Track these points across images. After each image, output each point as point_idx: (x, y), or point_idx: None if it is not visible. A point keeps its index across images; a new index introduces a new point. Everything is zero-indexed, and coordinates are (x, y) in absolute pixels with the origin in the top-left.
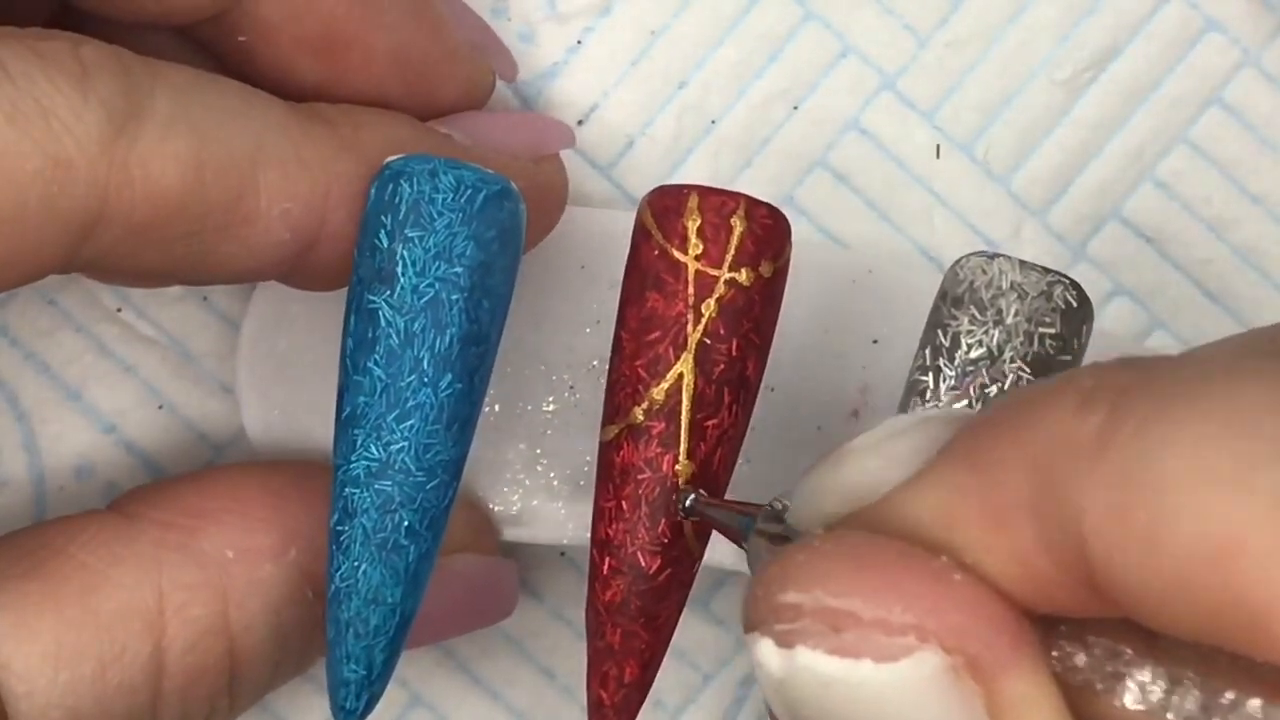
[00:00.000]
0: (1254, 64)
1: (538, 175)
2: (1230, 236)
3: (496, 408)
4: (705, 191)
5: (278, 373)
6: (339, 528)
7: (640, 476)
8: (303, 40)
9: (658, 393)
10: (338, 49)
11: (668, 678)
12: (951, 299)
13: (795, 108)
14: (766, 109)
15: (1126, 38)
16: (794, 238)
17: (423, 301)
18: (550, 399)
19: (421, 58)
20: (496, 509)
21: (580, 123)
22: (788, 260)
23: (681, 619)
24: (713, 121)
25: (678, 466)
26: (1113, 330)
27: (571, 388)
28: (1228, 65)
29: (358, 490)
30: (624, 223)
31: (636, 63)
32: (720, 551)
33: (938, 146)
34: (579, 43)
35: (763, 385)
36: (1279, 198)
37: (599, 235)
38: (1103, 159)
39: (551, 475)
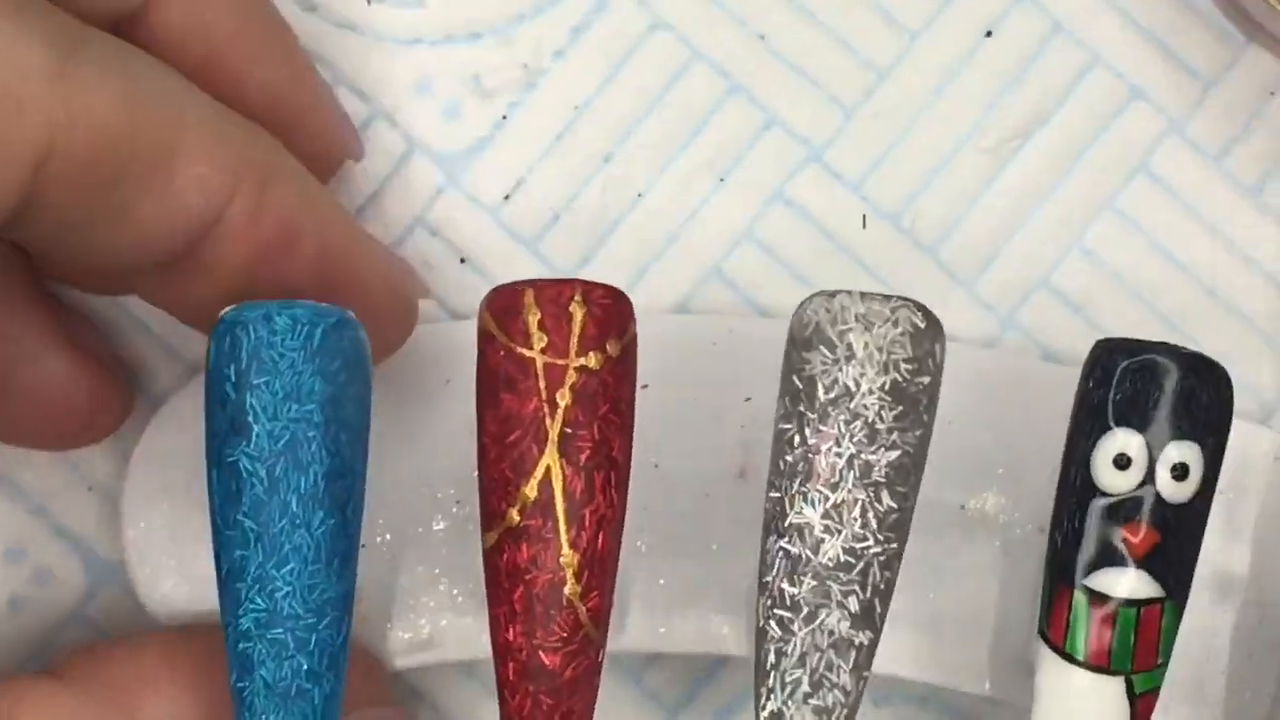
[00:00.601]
0: (1179, 132)
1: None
2: (1158, 303)
3: (388, 536)
4: (540, 285)
5: (165, 543)
6: (239, 684)
7: (528, 576)
8: (186, 59)
9: (529, 490)
10: (216, 74)
11: None
12: (801, 343)
13: (721, 179)
14: (692, 181)
15: (1052, 106)
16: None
17: (280, 445)
18: (439, 517)
19: (289, 101)
20: (405, 636)
21: (506, 197)
22: (634, 336)
23: (614, 695)
24: (639, 194)
25: (562, 559)
26: None
27: (458, 502)
28: (1153, 133)
29: (251, 644)
30: None
31: (561, 137)
32: (637, 636)
33: (864, 217)
34: (504, 118)
35: (646, 461)
36: (1205, 265)
37: (457, 348)
38: (1030, 227)
39: (455, 592)
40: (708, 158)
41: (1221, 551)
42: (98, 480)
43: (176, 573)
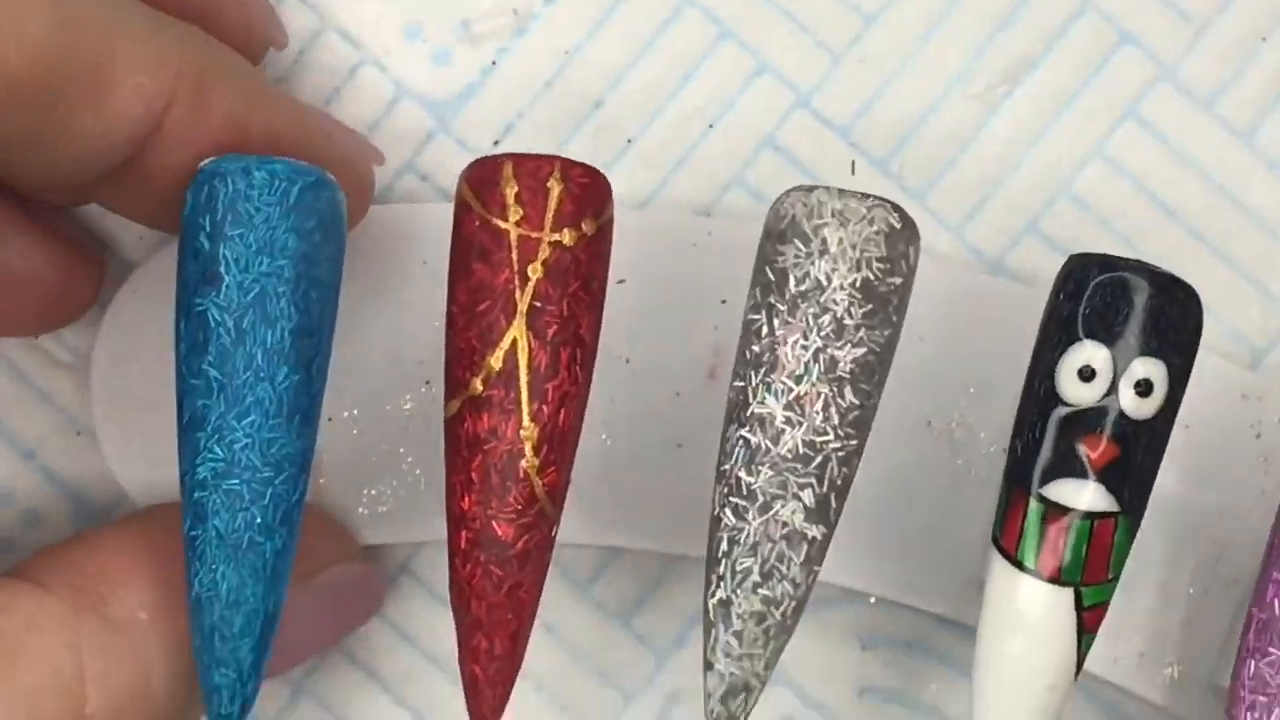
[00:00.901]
0: (1169, 78)
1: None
2: (1146, 250)
3: (356, 411)
4: (520, 158)
5: (133, 403)
6: (192, 533)
7: (486, 446)
8: None
9: (494, 360)
10: None
11: (590, 697)
12: (775, 235)
13: (711, 126)
14: (682, 127)
15: (1041, 51)
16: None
17: (250, 297)
18: (408, 396)
19: None
20: (364, 512)
21: (496, 143)
22: (610, 218)
23: (604, 638)
24: (629, 140)
25: (522, 431)
26: None
27: (427, 383)
28: (1143, 78)
29: (206, 493)
30: None
31: (551, 83)
32: (595, 530)
33: (853, 163)
34: (493, 63)
35: (617, 356)
36: (1194, 211)
37: (436, 229)
38: (1018, 173)
39: (418, 472)
40: (697, 104)
41: (1185, 487)
42: (86, 424)
43: (142, 435)
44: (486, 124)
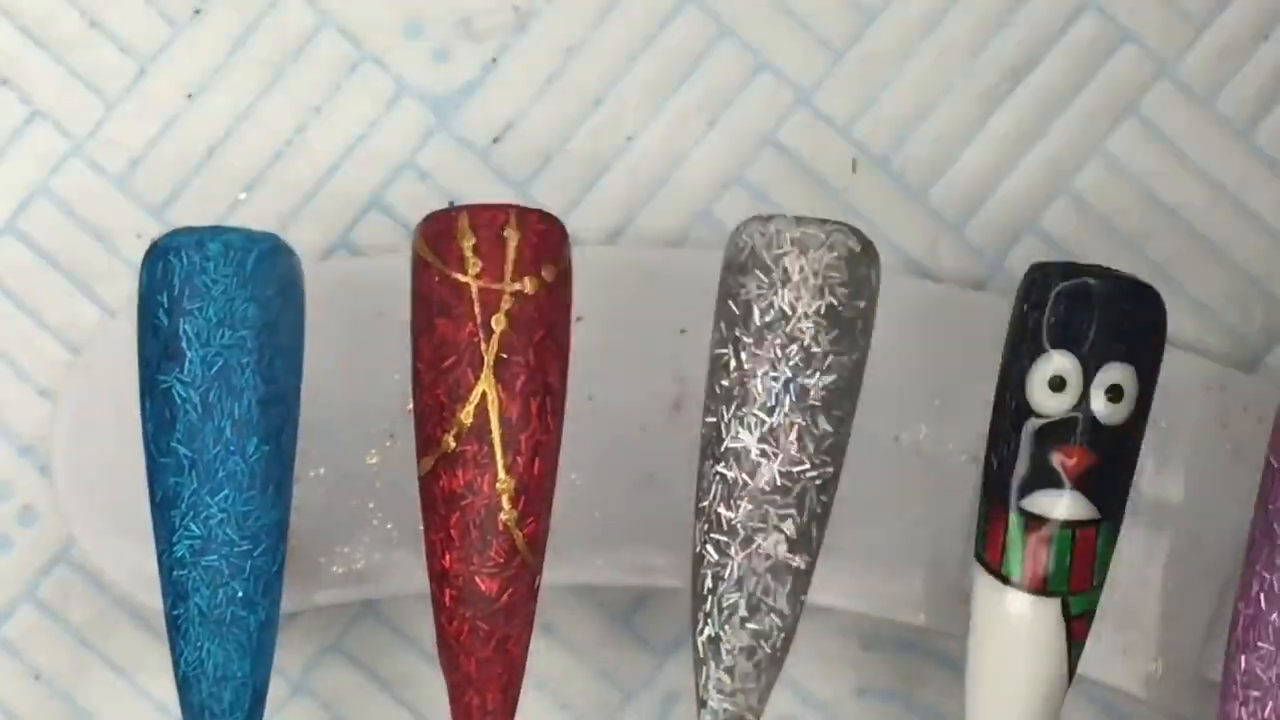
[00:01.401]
0: (1170, 75)
1: None
2: (1146, 248)
3: (322, 470)
4: (474, 210)
5: (96, 480)
6: (174, 612)
7: (464, 502)
8: None
9: (464, 416)
10: None
11: (590, 697)
12: (736, 267)
13: (711, 123)
14: (683, 125)
15: (1042, 50)
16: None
17: (214, 371)
18: (372, 451)
19: None
20: (338, 570)
21: (496, 140)
22: (569, 262)
23: (604, 637)
24: (629, 138)
25: (499, 484)
26: None
27: (391, 436)
28: (1144, 77)
29: (185, 571)
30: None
31: (552, 80)
32: (572, 569)
33: (854, 161)
34: (494, 60)
35: (580, 394)
36: (1195, 209)
37: (390, 279)
38: (1019, 172)
39: (389, 526)
40: (698, 102)
41: (1155, 480)
42: None
43: (112, 511)
44: (487, 121)
